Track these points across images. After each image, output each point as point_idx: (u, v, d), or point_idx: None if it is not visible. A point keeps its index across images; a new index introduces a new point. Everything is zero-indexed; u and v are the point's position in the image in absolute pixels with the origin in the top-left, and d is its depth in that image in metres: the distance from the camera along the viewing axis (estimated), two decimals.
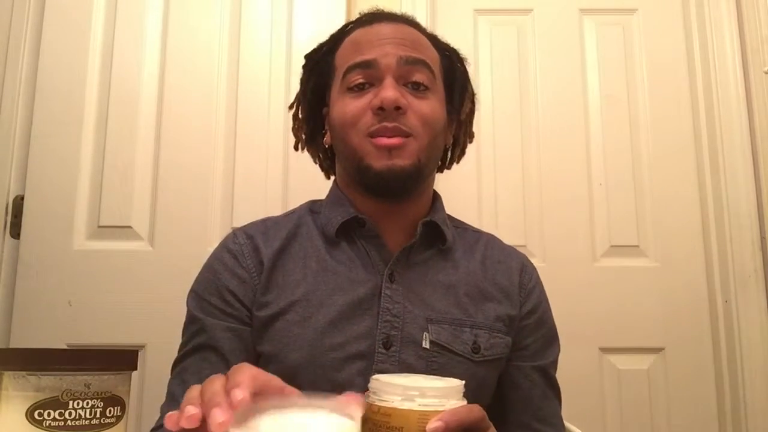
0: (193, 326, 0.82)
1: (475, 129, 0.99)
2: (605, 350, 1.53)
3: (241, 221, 0.90)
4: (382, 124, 0.79)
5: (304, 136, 0.95)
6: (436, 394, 0.54)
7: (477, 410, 0.56)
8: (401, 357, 0.78)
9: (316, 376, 0.77)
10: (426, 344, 0.79)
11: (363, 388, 0.76)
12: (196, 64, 1.56)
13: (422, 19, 1.60)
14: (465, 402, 0.56)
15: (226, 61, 1.57)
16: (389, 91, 0.79)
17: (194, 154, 1.52)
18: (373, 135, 0.80)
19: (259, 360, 0.81)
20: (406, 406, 0.53)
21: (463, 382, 0.57)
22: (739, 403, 1.48)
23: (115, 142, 1.51)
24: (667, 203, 1.59)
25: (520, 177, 1.60)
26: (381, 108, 0.79)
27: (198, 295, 0.84)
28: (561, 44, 1.67)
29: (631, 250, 1.58)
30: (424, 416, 0.52)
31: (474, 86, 0.97)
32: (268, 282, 0.82)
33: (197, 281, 0.86)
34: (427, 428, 0.51)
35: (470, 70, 0.96)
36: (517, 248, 0.97)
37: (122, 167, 1.50)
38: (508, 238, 0.99)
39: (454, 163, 0.99)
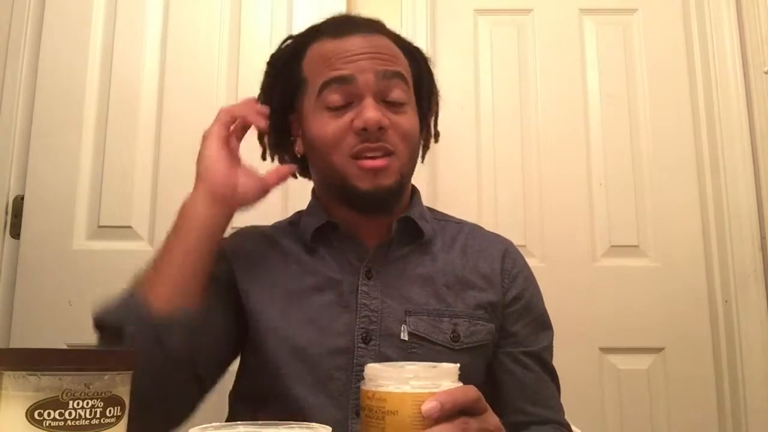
0: None
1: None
2: (605, 350, 1.53)
3: (240, 221, 0.90)
4: (365, 145, 0.80)
5: (268, 145, 0.94)
6: (430, 376, 0.54)
7: (473, 391, 0.56)
8: (381, 350, 0.80)
9: (297, 370, 0.79)
10: (404, 336, 0.81)
11: (344, 383, 0.79)
12: (196, 63, 1.56)
13: (422, 19, 1.61)
14: (460, 384, 0.56)
15: (226, 61, 1.57)
16: (371, 112, 0.79)
17: (194, 154, 1.50)
18: (356, 156, 0.80)
19: (244, 346, 0.85)
20: (401, 389, 0.53)
21: (458, 365, 0.57)
22: (739, 403, 1.48)
23: (115, 142, 1.51)
24: (667, 203, 1.59)
25: (520, 177, 1.60)
26: (364, 129, 0.79)
27: None
28: (561, 44, 1.67)
29: (631, 250, 1.58)
30: (419, 398, 0.52)
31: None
32: (247, 281, 0.85)
33: None
34: (422, 409, 0.51)
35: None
36: (517, 248, 0.96)
37: (122, 167, 1.50)
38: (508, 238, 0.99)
39: (420, 162, 0.98)
